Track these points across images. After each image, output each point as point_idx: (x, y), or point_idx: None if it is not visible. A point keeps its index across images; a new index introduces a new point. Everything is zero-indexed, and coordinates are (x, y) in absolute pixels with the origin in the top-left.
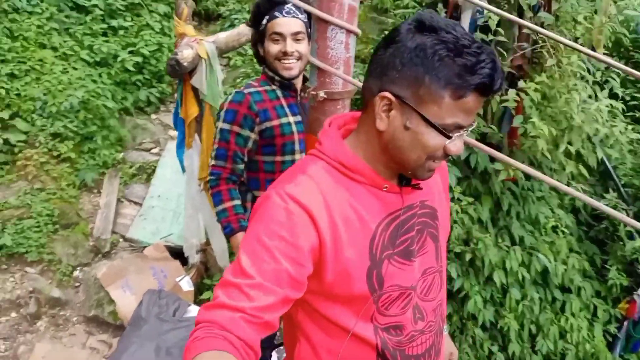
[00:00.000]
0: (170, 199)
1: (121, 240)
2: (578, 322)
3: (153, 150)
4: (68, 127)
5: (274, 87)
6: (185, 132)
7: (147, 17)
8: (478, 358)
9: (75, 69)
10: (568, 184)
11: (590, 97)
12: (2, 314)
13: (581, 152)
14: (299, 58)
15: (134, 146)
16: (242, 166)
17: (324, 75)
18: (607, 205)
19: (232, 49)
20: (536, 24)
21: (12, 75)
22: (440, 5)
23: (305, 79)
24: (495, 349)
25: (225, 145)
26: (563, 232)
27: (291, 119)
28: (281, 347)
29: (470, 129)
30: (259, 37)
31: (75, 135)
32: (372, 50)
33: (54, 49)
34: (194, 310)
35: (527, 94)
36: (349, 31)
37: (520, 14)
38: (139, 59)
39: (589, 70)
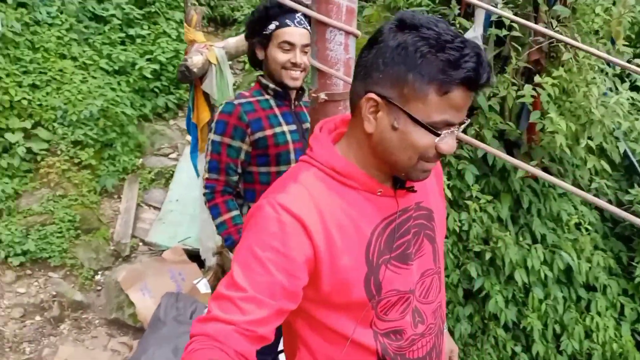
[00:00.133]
0: (188, 203)
1: (141, 244)
2: (604, 321)
3: (171, 156)
4: (88, 134)
5: (267, 96)
6: (198, 136)
7: (163, 25)
8: (501, 359)
9: (94, 77)
10: (591, 180)
11: (610, 89)
12: (27, 317)
13: (604, 147)
14: (304, 69)
15: (152, 152)
16: (235, 178)
17: (324, 77)
18: (632, 200)
19: (242, 53)
20: (552, 18)
21: (33, 86)
22: (454, 2)
23: (300, 89)
24: (518, 349)
25: (217, 157)
26: (587, 229)
27: (285, 128)
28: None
29: (462, 126)
30: (262, 40)
31: (95, 142)
32: None
33: (74, 59)
34: None
35: (543, 88)
36: (347, 33)
37: (536, 8)
38: (157, 66)
39: (609, 64)
